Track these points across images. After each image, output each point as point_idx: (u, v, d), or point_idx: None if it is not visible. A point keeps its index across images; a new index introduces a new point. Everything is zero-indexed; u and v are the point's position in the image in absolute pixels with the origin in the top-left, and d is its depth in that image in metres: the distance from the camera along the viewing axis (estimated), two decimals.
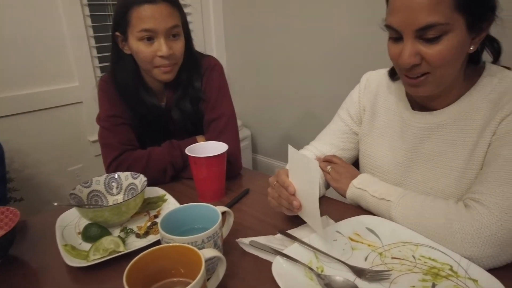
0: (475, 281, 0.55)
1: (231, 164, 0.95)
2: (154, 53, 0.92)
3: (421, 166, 0.77)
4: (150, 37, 0.91)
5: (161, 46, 0.91)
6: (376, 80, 0.90)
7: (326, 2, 2.00)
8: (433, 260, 0.60)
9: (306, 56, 2.21)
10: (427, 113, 0.76)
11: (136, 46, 0.93)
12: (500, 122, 0.65)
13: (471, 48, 0.66)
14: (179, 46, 0.95)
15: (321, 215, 0.77)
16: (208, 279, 0.57)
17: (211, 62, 1.07)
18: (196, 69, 1.05)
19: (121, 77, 1.01)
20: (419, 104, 0.80)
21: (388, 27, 0.67)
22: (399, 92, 0.84)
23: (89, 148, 2.04)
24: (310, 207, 0.65)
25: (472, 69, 0.72)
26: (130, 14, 0.90)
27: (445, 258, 0.60)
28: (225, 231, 0.69)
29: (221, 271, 0.57)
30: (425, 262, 0.61)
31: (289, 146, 0.67)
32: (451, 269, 0.58)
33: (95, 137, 1.98)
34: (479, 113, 0.69)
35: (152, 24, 0.89)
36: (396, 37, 0.67)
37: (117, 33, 0.96)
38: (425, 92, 0.70)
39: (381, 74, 0.90)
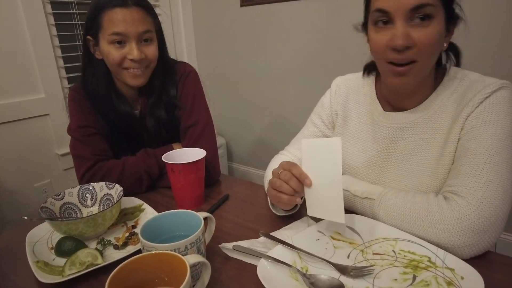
0: (452, 270, 0.57)
1: (209, 170, 0.94)
2: (124, 56, 0.91)
3: (394, 165, 0.80)
4: (121, 41, 0.90)
5: (132, 50, 0.90)
6: (345, 84, 0.93)
7: (295, 12, 2.05)
8: (412, 253, 0.62)
9: (276, 64, 2.25)
10: (398, 113, 0.79)
11: (107, 49, 0.91)
12: (466, 118, 0.69)
13: (444, 45, 0.71)
14: (151, 49, 0.94)
15: (301, 217, 0.79)
16: (193, 286, 0.56)
17: (186, 68, 1.06)
18: (170, 75, 1.03)
19: (92, 83, 0.98)
20: (390, 105, 0.83)
21: (379, 11, 0.67)
22: (370, 94, 0.87)
23: (57, 162, 1.95)
24: (329, 195, 0.65)
25: (436, 71, 0.77)
26: (101, 17, 0.89)
27: (423, 250, 0.62)
28: (207, 237, 0.68)
29: (206, 277, 0.56)
30: (405, 256, 0.62)
31: (303, 140, 0.68)
32: (429, 260, 0.60)
33: (64, 150, 1.92)
34: (446, 111, 0.73)
35: (123, 28, 0.88)
36: (385, 20, 0.68)
37: (88, 37, 0.94)
38: (409, 83, 0.71)
39: (350, 78, 0.93)
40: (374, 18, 0.70)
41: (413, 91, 0.77)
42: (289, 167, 0.70)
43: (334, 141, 0.62)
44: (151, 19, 0.94)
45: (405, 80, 0.70)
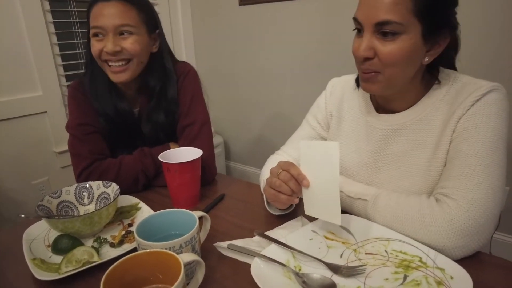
0: (442, 269, 0.58)
1: (205, 170, 0.95)
2: (102, 49, 0.92)
3: (387, 167, 0.80)
4: (100, 34, 0.92)
5: (107, 43, 0.91)
6: (341, 86, 0.94)
7: (293, 12, 2.06)
8: (404, 253, 0.63)
9: (274, 63, 2.26)
10: (390, 115, 0.80)
11: (92, 43, 0.94)
12: (458, 121, 0.70)
13: (426, 59, 0.71)
14: (129, 42, 0.93)
15: (295, 216, 0.80)
16: (187, 284, 0.57)
17: (186, 68, 1.06)
18: (170, 76, 1.03)
19: (91, 80, 1.00)
20: (382, 107, 0.84)
21: (354, 19, 0.71)
22: (364, 96, 0.88)
23: (55, 160, 1.95)
24: (326, 196, 0.66)
25: (428, 73, 0.77)
26: (89, 14, 0.92)
27: (414, 250, 0.63)
28: (202, 236, 0.68)
29: (200, 275, 0.57)
30: (396, 256, 0.63)
31: (301, 142, 0.69)
32: (420, 261, 0.61)
33: (61, 148, 1.93)
34: (438, 113, 0.74)
35: (100, 22, 0.90)
36: (359, 29, 0.72)
37: (90, 36, 0.95)
38: (375, 90, 0.74)
39: (346, 80, 0.94)
40: (354, 25, 0.73)
41: (395, 97, 0.78)
42: (287, 167, 0.71)
43: (332, 145, 0.63)
44: (135, 13, 0.93)
45: (370, 86, 0.74)
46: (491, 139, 0.65)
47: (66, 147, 1.96)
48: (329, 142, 0.65)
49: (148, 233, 0.60)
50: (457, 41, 0.74)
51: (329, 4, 1.91)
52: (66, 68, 1.95)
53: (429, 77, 0.77)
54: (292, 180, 0.70)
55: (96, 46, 0.92)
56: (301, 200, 0.72)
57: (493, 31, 1.50)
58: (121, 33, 0.92)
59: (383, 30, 0.66)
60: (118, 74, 0.94)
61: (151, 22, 0.99)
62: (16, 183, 1.81)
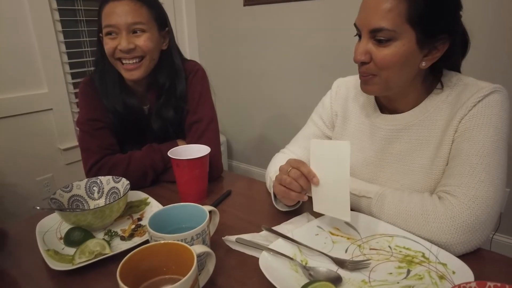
0: (444, 264, 0.60)
1: (211, 166, 0.97)
2: (115, 47, 0.94)
3: (390, 166, 0.82)
4: (113, 32, 0.93)
5: (121, 40, 0.93)
6: (346, 86, 0.96)
7: (297, 13, 2.08)
8: (407, 249, 0.65)
9: (278, 63, 2.28)
10: (394, 116, 0.82)
11: (105, 41, 0.95)
12: (460, 121, 0.72)
13: (423, 64, 0.72)
14: (142, 40, 0.95)
15: (301, 212, 0.81)
16: (198, 275, 0.59)
17: (195, 67, 1.09)
18: (178, 73, 1.05)
19: (102, 77, 1.02)
20: (386, 107, 0.86)
21: (355, 24, 0.74)
22: (368, 96, 0.90)
23: (59, 157, 1.97)
24: (336, 194, 0.67)
25: (431, 75, 0.79)
26: (101, 13, 0.94)
27: (417, 246, 0.65)
28: (212, 229, 0.70)
29: (211, 266, 0.59)
30: (400, 251, 0.65)
31: (312, 140, 0.71)
32: (423, 256, 0.63)
33: (66, 145, 1.95)
34: (441, 114, 0.76)
35: (113, 20, 0.92)
36: (359, 34, 0.74)
37: (100, 34, 0.97)
38: (373, 91, 0.78)
39: (351, 80, 0.96)
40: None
41: (399, 97, 0.80)
42: (297, 165, 0.73)
43: (343, 145, 0.65)
44: (147, 11, 0.95)
45: (367, 88, 0.77)
46: (492, 139, 0.67)
47: (70, 144, 1.99)
48: (340, 141, 0.67)
49: (159, 225, 0.62)
50: (467, 45, 0.76)
51: (333, 5, 1.93)
52: (72, 66, 1.97)
53: (432, 79, 0.79)
54: (302, 178, 0.71)
55: (109, 44, 0.94)
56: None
57: (493, 31, 1.52)
58: (134, 31, 0.94)
59: (377, 37, 0.69)
60: (132, 71, 0.96)
61: (161, 20, 1.01)
62: (20, 179, 1.83)
